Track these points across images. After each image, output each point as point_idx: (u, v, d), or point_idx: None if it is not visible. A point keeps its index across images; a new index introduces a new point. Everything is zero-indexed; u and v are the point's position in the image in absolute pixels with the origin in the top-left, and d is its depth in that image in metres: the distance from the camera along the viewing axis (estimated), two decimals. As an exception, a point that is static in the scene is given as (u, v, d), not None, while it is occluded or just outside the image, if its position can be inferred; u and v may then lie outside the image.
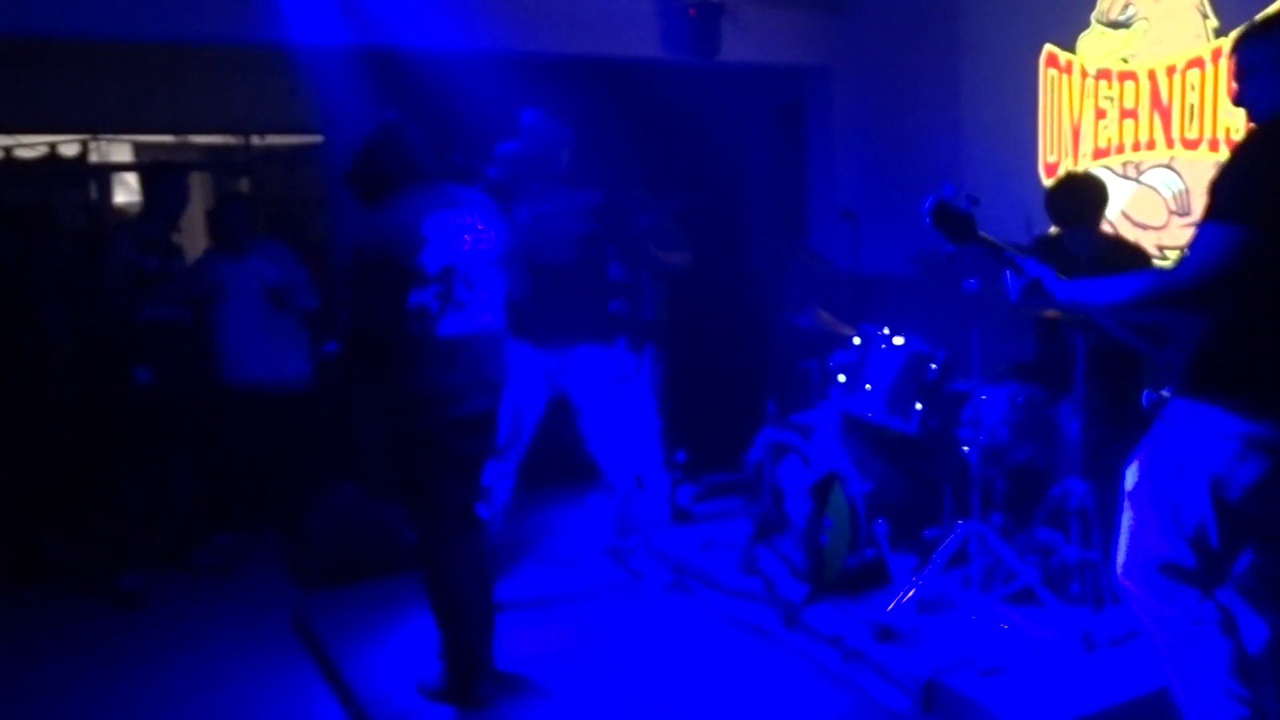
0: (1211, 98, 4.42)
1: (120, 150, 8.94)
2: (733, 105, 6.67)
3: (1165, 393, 2.61)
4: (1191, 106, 4.51)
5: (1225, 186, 2.25)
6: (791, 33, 6.24)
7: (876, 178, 6.30)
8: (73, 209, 8.11)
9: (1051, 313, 3.48)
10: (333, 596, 4.44)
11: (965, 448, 3.85)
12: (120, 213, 8.45)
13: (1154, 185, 4.73)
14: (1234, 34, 2.52)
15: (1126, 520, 2.53)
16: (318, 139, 6.73)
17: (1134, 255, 4.05)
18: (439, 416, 3.39)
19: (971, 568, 3.76)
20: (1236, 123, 4.29)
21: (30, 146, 8.19)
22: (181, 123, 8.23)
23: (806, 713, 3.42)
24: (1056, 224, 4.01)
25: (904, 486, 4.20)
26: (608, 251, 4.56)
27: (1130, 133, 4.82)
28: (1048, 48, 5.15)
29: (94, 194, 8.63)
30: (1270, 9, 2.42)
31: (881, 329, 4.19)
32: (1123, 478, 2.54)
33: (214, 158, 9.20)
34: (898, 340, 4.12)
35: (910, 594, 3.72)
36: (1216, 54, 4.36)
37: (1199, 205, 4.45)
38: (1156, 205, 4.72)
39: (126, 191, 8.89)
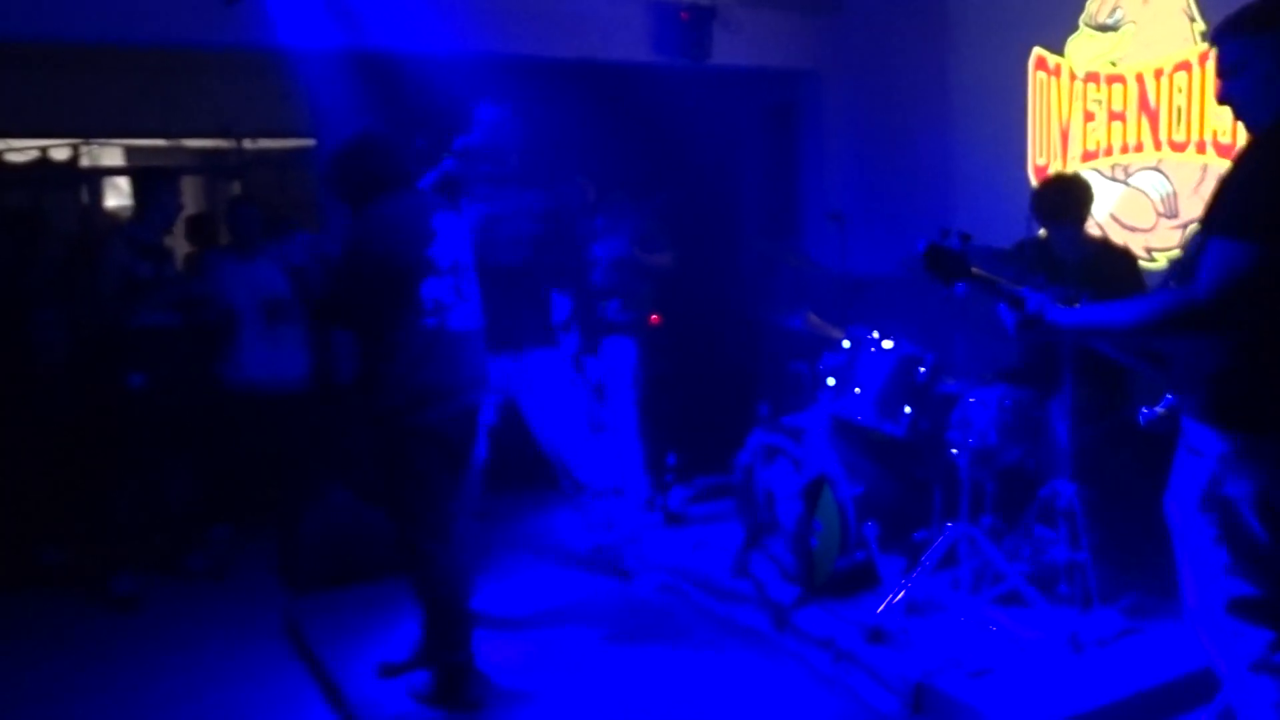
0: (1199, 101, 4.44)
1: (111, 154, 8.94)
2: (724, 108, 6.69)
3: (1162, 409, 2.54)
4: (1179, 109, 4.53)
5: (1235, 201, 2.14)
6: (782, 36, 6.27)
7: (867, 180, 6.32)
8: (64, 213, 8.11)
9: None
10: (324, 600, 4.44)
11: (954, 450, 3.86)
12: (112, 217, 8.44)
13: (1142, 188, 4.75)
14: (1217, 25, 2.34)
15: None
16: (309, 143, 6.74)
17: (1122, 257, 4.06)
18: (447, 409, 3.43)
19: (961, 570, 3.77)
20: (1223, 126, 4.32)
21: (21, 151, 8.18)
22: (173, 127, 8.24)
23: (797, 715, 3.43)
24: (1042, 222, 4.03)
25: (894, 489, 4.21)
26: (557, 253, 4.55)
27: (1118, 135, 4.84)
28: (1037, 51, 5.17)
29: (85, 198, 8.63)
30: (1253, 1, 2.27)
31: (871, 332, 4.21)
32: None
33: (206, 162, 9.21)
34: (887, 343, 4.14)
35: (900, 596, 3.73)
36: (1203, 57, 4.38)
37: (1186, 208, 4.53)
38: (1145, 207, 4.75)
39: (118, 195, 8.89)
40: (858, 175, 6.40)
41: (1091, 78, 4.93)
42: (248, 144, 8.66)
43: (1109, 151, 4.88)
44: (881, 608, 3.71)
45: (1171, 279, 2.42)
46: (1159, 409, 2.46)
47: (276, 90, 6.53)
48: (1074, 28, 5.00)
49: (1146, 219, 4.75)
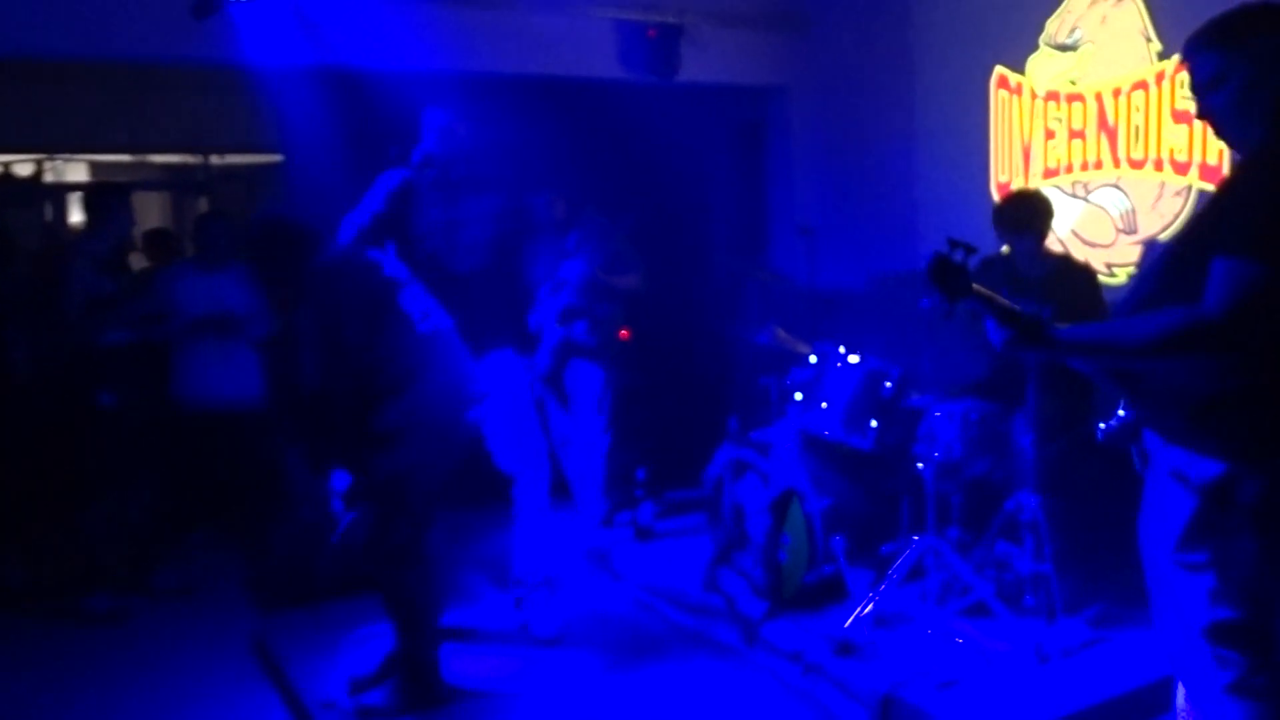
0: (1155, 119, 4.53)
1: (76, 170, 8.86)
2: (693, 124, 6.72)
3: (1116, 423, 2.49)
4: (1136, 128, 4.62)
5: (1245, 221, 2.04)
6: (749, 53, 6.32)
7: (834, 196, 6.38)
8: (27, 230, 8.02)
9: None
10: (292, 619, 4.42)
11: (921, 464, 3.90)
12: (76, 233, 8.36)
13: (1102, 204, 4.83)
14: (1188, 39, 2.25)
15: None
16: (277, 158, 6.71)
17: (1082, 273, 4.13)
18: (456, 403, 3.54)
19: (928, 582, 3.81)
20: (1180, 144, 4.41)
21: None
22: (140, 142, 8.18)
23: (766, 728, 3.45)
24: (1002, 235, 4.10)
25: (861, 502, 4.25)
26: (517, 257, 4.56)
27: (1079, 153, 4.93)
28: (998, 70, 5.26)
29: (49, 215, 8.53)
30: (1227, 11, 2.21)
31: (838, 347, 4.25)
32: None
33: (173, 177, 9.15)
34: (853, 358, 4.18)
35: (868, 609, 3.76)
36: (1160, 76, 4.48)
37: (1145, 224, 4.61)
38: (1105, 224, 4.83)
39: (81, 212, 8.80)
40: (825, 191, 6.46)
41: (1052, 96, 5.01)
42: (215, 159, 8.62)
43: (1069, 169, 4.97)
44: (850, 620, 3.74)
45: (1133, 295, 2.39)
46: (1113, 423, 2.45)
47: (244, 105, 6.51)
48: (1035, 47, 5.09)
49: (1106, 235, 4.83)
